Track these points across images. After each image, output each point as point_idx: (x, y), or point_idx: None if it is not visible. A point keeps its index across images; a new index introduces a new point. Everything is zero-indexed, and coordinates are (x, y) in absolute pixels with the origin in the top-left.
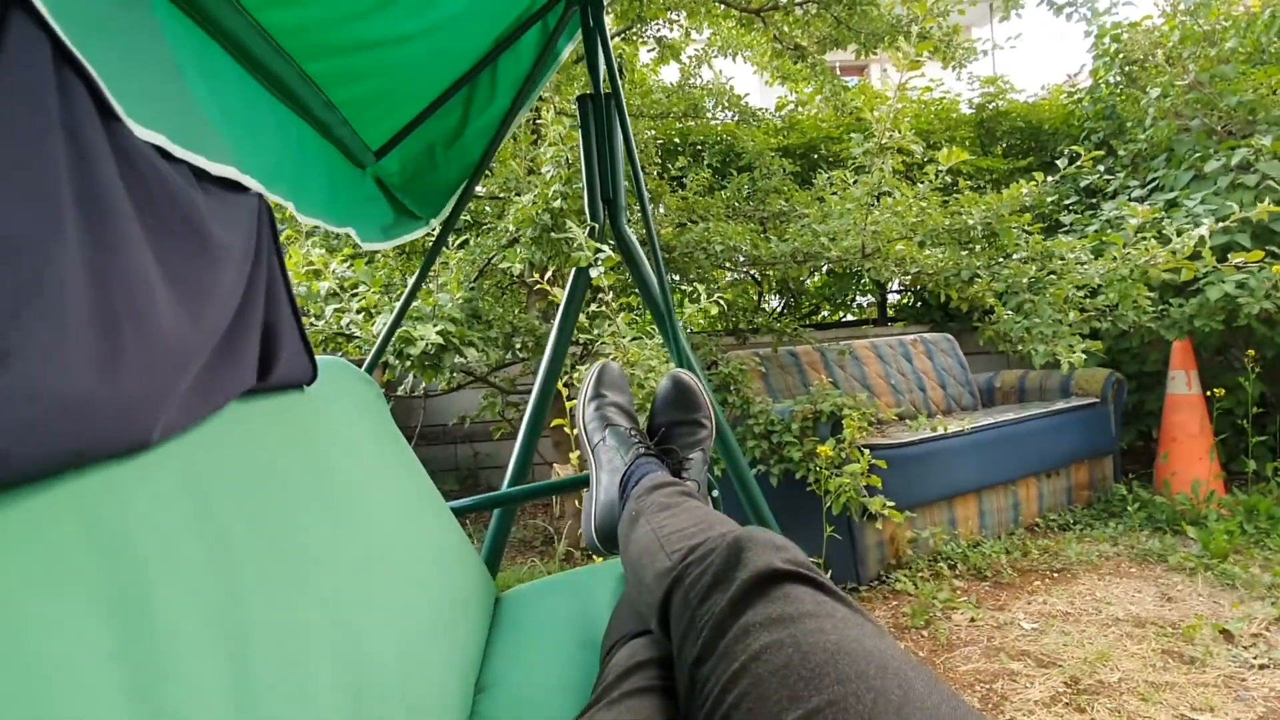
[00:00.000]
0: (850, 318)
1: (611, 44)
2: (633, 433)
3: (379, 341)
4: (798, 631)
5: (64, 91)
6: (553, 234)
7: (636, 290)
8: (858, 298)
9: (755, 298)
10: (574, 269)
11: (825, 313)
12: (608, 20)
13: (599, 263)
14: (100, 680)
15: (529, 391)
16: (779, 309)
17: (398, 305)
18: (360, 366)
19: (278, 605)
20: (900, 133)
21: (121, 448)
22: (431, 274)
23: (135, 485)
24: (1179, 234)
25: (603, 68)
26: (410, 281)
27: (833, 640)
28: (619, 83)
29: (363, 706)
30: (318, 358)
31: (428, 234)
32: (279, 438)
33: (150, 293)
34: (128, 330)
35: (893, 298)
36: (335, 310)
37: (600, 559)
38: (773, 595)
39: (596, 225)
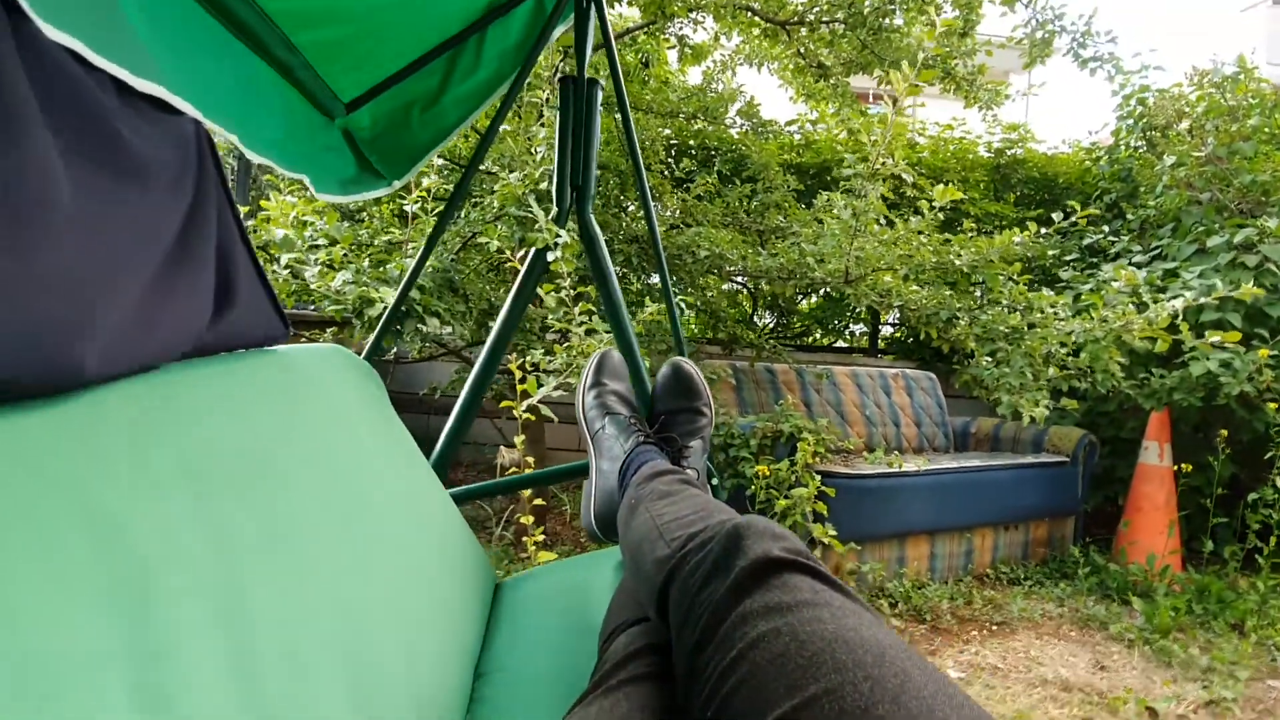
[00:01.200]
0: (842, 344)
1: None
2: (632, 420)
3: (380, 326)
4: (795, 620)
5: None
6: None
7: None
8: (851, 326)
9: (749, 309)
10: (532, 250)
11: (818, 335)
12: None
13: (557, 247)
14: (102, 673)
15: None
16: (771, 325)
17: (401, 283)
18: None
19: (279, 593)
20: (894, 160)
21: (51, 369)
22: (409, 239)
23: (132, 474)
24: (1155, 302)
25: (590, 52)
26: (417, 256)
27: (830, 629)
28: (619, 71)
29: (365, 691)
30: (317, 345)
31: (436, 208)
32: (276, 426)
33: (55, 189)
34: (36, 226)
35: (887, 330)
36: (290, 259)
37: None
38: (771, 584)
39: (558, 209)
